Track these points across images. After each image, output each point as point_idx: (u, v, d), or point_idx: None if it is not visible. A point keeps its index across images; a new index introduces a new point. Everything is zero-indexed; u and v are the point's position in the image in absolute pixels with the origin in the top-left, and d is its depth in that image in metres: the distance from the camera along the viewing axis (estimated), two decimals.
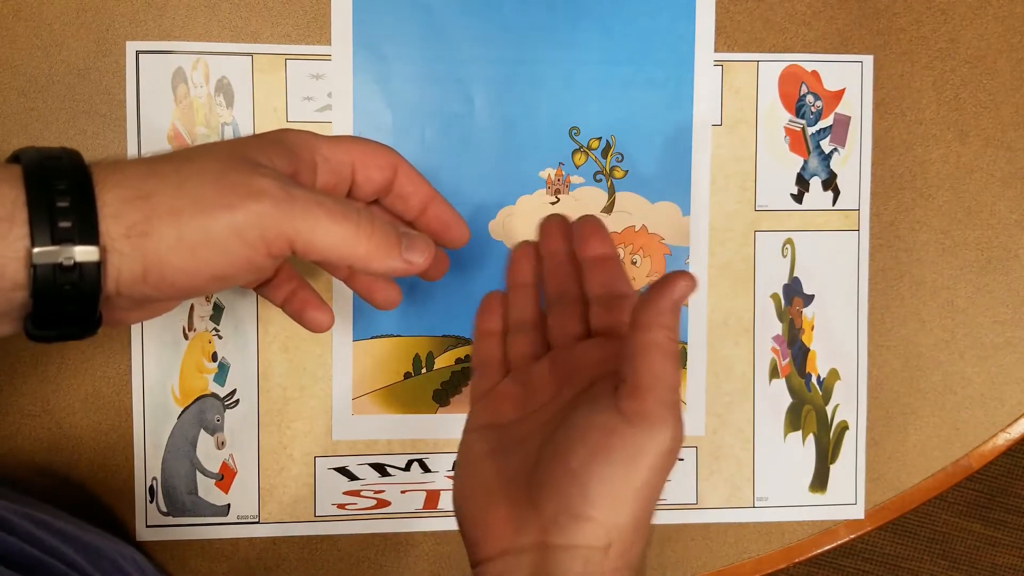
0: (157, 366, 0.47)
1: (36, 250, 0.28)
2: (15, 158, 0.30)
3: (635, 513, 0.32)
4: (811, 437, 0.51)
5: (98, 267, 0.29)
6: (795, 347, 0.50)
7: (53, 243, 0.28)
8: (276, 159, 0.33)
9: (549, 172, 0.48)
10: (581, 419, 0.34)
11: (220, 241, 0.30)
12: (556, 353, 0.40)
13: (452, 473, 0.49)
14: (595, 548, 0.32)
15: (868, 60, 0.50)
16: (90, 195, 0.29)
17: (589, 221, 0.41)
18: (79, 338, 0.31)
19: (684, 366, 0.49)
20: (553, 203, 0.48)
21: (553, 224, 0.42)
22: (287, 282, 0.39)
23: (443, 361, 0.48)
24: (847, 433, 0.51)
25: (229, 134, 0.46)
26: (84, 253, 0.29)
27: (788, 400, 0.50)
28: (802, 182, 0.50)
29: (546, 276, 0.42)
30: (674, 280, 0.33)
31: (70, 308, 0.29)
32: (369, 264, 0.33)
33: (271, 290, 0.39)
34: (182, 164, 0.31)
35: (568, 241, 0.41)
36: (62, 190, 0.29)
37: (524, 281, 0.42)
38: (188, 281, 0.31)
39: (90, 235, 0.29)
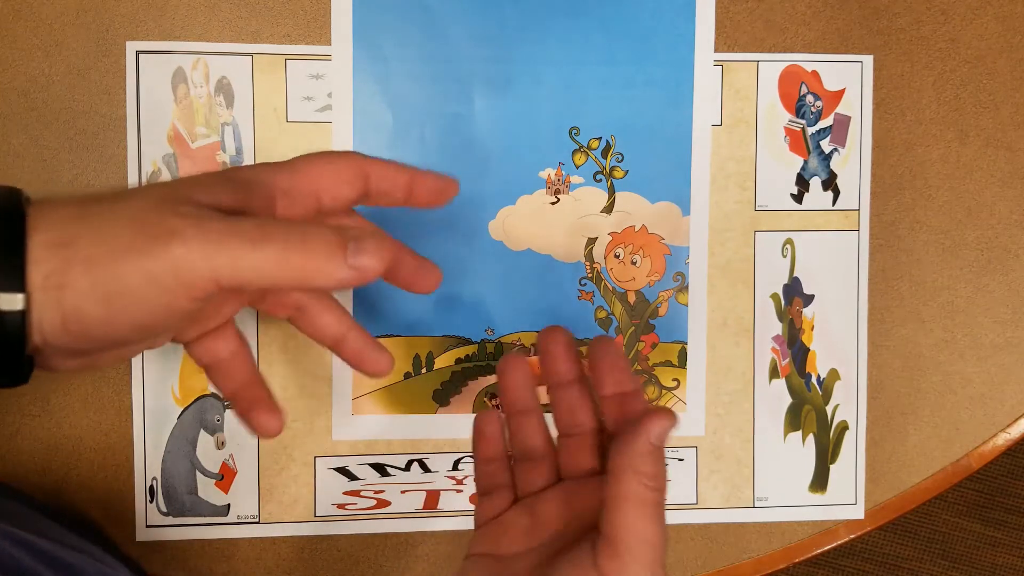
0: (157, 366, 0.47)
1: None
2: None
3: None
4: (811, 437, 0.51)
5: (22, 316, 0.27)
6: (795, 347, 0.50)
7: None
8: (221, 195, 0.30)
9: (549, 172, 0.48)
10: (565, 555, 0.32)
11: (134, 289, 0.28)
12: (568, 485, 0.37)
13: (452, 473, 0.49)
14: None
15: (868, 60, 0.50)
16: (19, 238, 0.27)
17: (607, 352, 0.36)
18: (8, 387, 0.29)
19: (683, 365, 0.49)
20: (553, 203, 0.48)
21: (557, 344, 0.38)
22: (238, 365, 0.36)
23: (443, 361, 0.48)
24: (847, 433, 0.51)
25: (229, 134, 0.46)
26: (6, 300, 0.27)
27: (788, 400, 0.50)
28: (802, 182, 0.50)
29: (554, 404, 0.38)
30: (650, 419, 0.30)
31: None
32: (310, 280, 0.29)
33: (218, 374, 0.36)
34: (113, 204, 0.29)
35: (576, 363, 0.38)
36: None
37: (525, 407, 0.39)
38: (107, 332, 0.28)
39: (15, 281, 0.27)
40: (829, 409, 0.51)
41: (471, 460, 0.49)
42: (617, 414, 0.35)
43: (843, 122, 0.50)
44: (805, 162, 0.50)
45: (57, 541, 0.38)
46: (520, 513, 0.37)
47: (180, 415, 0.47)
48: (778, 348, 0.50)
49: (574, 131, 0.48)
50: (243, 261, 0.28)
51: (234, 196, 0.31)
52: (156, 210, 0.28)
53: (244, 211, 0.31)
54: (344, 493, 0.48)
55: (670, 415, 0.30)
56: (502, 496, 0.38)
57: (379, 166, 0.35)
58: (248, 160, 0.46)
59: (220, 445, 0.47)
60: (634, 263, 0.49)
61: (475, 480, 0.40)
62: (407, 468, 0.49)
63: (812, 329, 0.50)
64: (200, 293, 0.29)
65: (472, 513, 0.49)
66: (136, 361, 0.46)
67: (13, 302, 0.27)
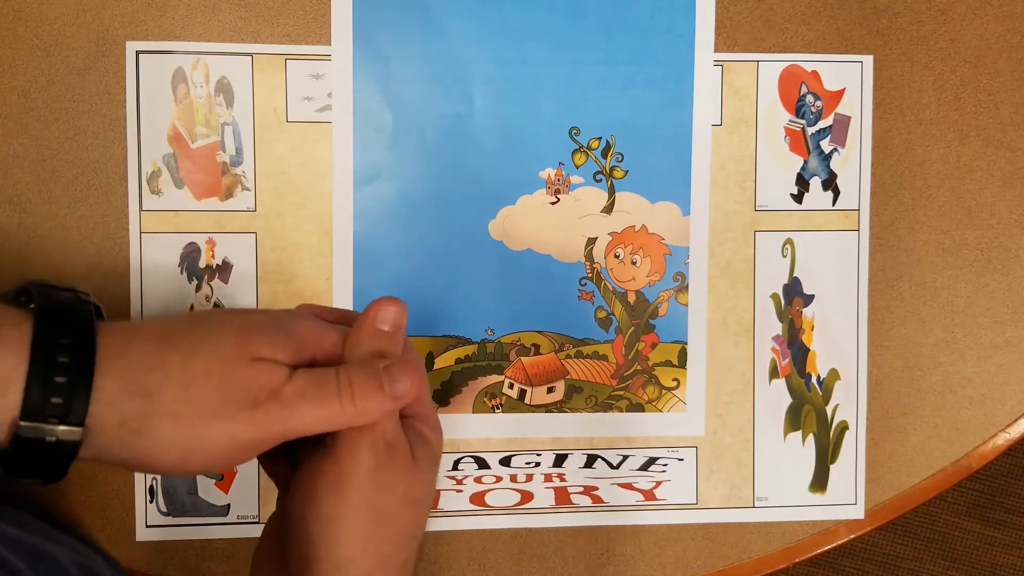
0: None
1: (23, 423, 0.28)
2: (26, 294, 0.31)
3: (364, 543, 0.33)
4: (811, 437, 0.51)
5: (78, 444, 0.29)
6: (795, 347, 0.50)
7: (40, 420, 0.28)
8: (279, 352, 0.33)
9: (549, 172, 0.48)
10: (300, 474, 0.35)
11: (214, 446, 0.31)
12: None
13: (452, 473, 0.49)
14: None
15: (868, 60, 0.50)
16: (89, 376, 0.29)
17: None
18: (45, 484, 0.31)
19: (683, 365, 0.49)
20: (553, 203, 0.48)
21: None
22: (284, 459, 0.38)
23: (443, 361, 0.48)
24: (847, 433, 0.51)
25: (229, 134, 0.46)
26: (68, 432, 0.29)
27: (788, 400, 0.50)
28: (802, 182, 0.50)
29: None
30: (378, 305, 0.34)
31: (39, 465, 0.29)
32: (362, 420, 0.33)
33: (272, 465, 0.38)
34: (189, 358, 0.31)
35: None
36: (63, 364, 0.29)
37: None
38: (172, 472, 0.31)
39: (78, 418, 0.29)
40: (829, 409, 0.51)
41: (471, 459, 0.49)
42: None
43: (843, 122, 0.50)
44: (805, 162, 0.50)
45: (37, 534, 0.38)
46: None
47: None
48: (778, 348, 0.50)
49: (574, 131, 0.48)
50: (307, 421, 0.32)
51: (290, 355, 0.33)
52: (239, 375, 0.31)
53: (296, 357, 0.34)
54: None
55: (396, 301, 0.34)
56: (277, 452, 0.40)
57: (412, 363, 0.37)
58: (249, 163, 0.46)
59: None
60: (634, 263, 0.49)
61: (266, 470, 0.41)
62: None
63: (812, 329, 0.50)
64: (267, 446, 0.32)
65: (473, 513, 0.49)
66: None
67: (73, 434, 0.29)
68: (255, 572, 0.38)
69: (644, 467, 0.50)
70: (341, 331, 0.36)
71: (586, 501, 0.50)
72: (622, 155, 0.48)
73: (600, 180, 0.48)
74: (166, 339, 0.32)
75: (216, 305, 0.47)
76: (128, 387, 0.30)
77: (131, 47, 0.46)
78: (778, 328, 0.50)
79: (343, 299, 0.47)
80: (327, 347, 0.35)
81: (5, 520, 0.39)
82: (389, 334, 0.35)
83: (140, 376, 0.30)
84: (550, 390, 0.49)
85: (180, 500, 0.47)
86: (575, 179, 0.48)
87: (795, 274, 0.50)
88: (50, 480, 0.30)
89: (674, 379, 0.49)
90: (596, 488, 0.50)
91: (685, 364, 0.49)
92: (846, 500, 0.51)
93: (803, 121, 0.50)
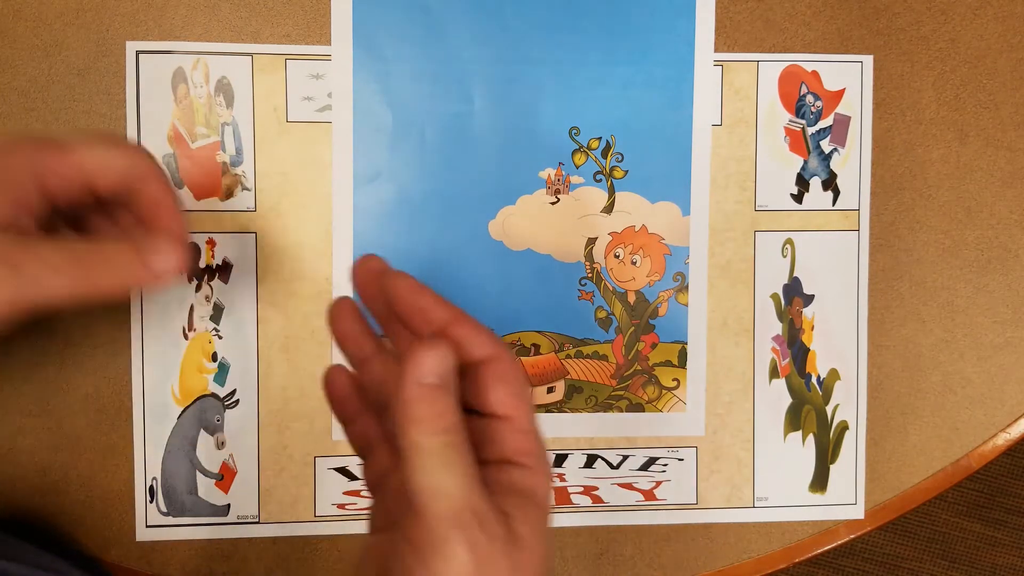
0: (157, 366, 0.47)
1: None
2: None
3: None
4: (811, 437, 0.51)
5: None
6: (795, 347, 0.50)
7: None
8: None
9: (549, 172, 0.48)
10: (389, 561, 0.28)
11: None
12: None
13: None
14: None
15: (868, 60, 0.50)
16: None
17: (399, 290, 0.32)
18: None
19: (683, 365, 0.49)
20: (553, 203, 0.48)
21: (344, 322, 0.35)
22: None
23: None
24: (847, 433, 0.51)
25: (229, 134, 0.46)
26: None
27: (788, 400, 0.50)
28: (802, 182, 0.50)
29: (364, 378, 0.36)
30: (415, 358, 0.27)
31: None
32: (111, 292, 0.31)
33: None
34: None
35: (372, 337, 0.35)
36: None
37: (366, 355, 0.35)
38: None
39: None
40: (829, 409, 0.51)
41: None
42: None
43: (843, 122, 0.50)
44: (805, 162, 0.50)
45: (32, 565, 0.37)
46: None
47: (180, 415, 0.47)
48: (778, 348, 0.50)
49: (574, 131, 0.48)
50: (44, 286, 0.29)
51: (7, 208, 0.31)
52: None
53: (14, 217, 0.31)
54: (344, 493, 0.48)
55: (438, 346, 0.27)
56: (383, 453, 0.34)
57: (156, 179, 0.35)
58: (249, 163, 0.46)
59: (220, 445, 0.47)
60: (634, 263, 0.49)
61: (350, 444, 0.36)
62: None
63: (812, 329, 0.50)
64: (2, 318, 0.29)
65: None
66: (136, 361, 0.46)
67: None
68: None
69: (644, 467, 0.50)
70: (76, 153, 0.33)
71: (586, 501, 0.50)
72: (622, 155, 0.48)
73: (600, 180, 0.48)
74: None
75: (216, 306, 0.47)
76: None
77: (131, 47, 0.46)
78: (778, 328, 0.50)
79: None
80: (61, 174, 0.32)
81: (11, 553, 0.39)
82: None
83: None
84: (550, 390, 0.49)
85: (180, 500, 0.47)
86: (575, 179, 0.48)
87: (795, 274, 0.50)
88: None
89: (674, 379, 0.49)
90: (596, 488, 0.50)
91: (685, 364, 0.49)
92: (846, 500, 0.51)
93: (803, 121, 0.50)
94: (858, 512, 0.51)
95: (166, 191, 0.35)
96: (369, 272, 0.33)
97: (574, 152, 0.48)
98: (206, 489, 0.47)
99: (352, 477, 0.48)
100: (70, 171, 0.33)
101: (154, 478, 0.47)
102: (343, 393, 0.35)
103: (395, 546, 0.28)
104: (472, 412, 0.30)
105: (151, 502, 0.47)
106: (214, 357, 0.47)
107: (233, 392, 0.47)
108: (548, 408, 0.49)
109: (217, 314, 0.47)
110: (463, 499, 0.26)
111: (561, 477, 0.49)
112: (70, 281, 0.30)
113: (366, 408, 0.35)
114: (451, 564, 0.25)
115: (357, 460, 0.46)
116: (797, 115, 0.49)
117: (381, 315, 0.34)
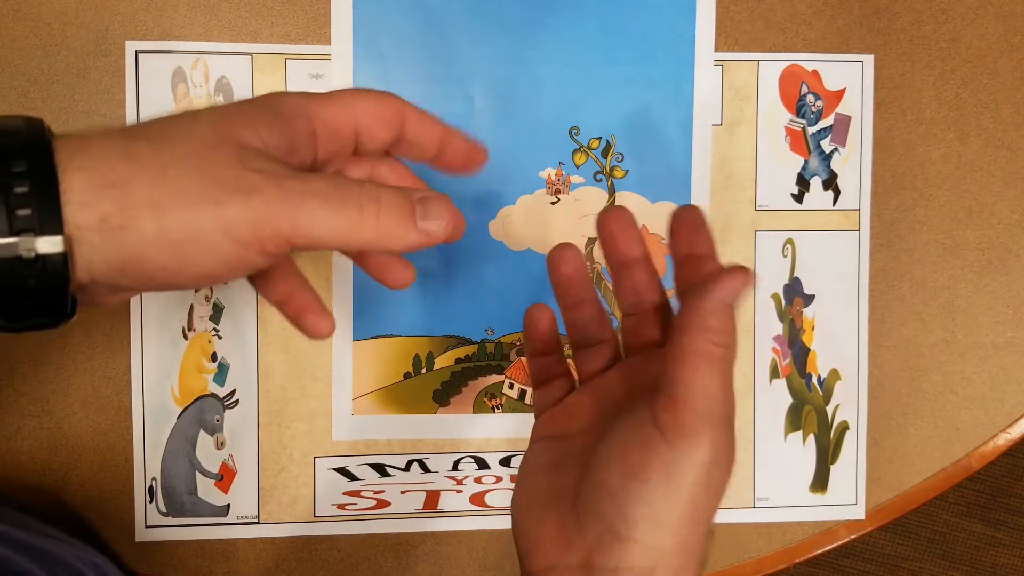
0: (157, 366, 0.46)
1: None
2: None
3: (680, 535, 0.30)
4: (811, 437, 0.51)
5: (65, 258, 0.26)
6: (795, 347, 0.50)
7: (12, 234, 0.26)
8: (268, 136, 0.30)
9: (549, 172, 0.48)
10: (619, 434, 0.31)
11: (208, 239, 0.27)
12: (630, 361, 0.36)
13: (452, 473, 0.49)
14: (639, 570, 0.30)
15: (868, 60, 0.50)
16: (52, 178, 0.26)
17: (687, 216, 0.34)
18: (52, 327, 0.28)
19: None
20: (553, 203, 0.48)
21: (618, 223, 0.36)
22: (285, 278, 0.35)
23: (443, 361, 0.48)
24: (847, 433, 0.51)
25: None
26: (48, 244, 0.26)
27: (788, 400, 0.50)
28: (802, 182, 0.50)
29: (617, 284, 0.36)
30: (723, 278, 0.30)
31: (34, 301, 0.27)
32: (383, 245, 0.30)
33: (267, 285, 0.35)
34: (161, 146, 0.28)
35: (639, 242, 0.36)
36: (20, 173, 0.26)
37: (581, 298, 0.37)
38: (170, 278, 0.28)
39: (54, 224, 0.26)
40: (829, 409, 0.51)
41: (471, 459, 0.49)
42: (690, 276, 0.34)
43: (843, 122, 0.50)
44: (805, 162, 0.50)
45: (36, 532, 0.38)
46: (581, 394, 0.36)
47: (180, 415, 0.47)
48: (778, 348, 0.50)
49: (574, 131, 0.48)
50: (319, 223, 0.28)
51: (282, 138, 0.30)
52: (223, 160, 0.28)
53: (290, 153, 0.31)
54: (344, 493, 0.48)
55: (744, 273, 0.30)
56: (559, 385, 0.37)
57: (417, 113, 0.34)
58: None
59: (220, 445, 0.47)
60: None
61: (530, 374, 0.39)
62: (407, 468, 0.49)
63: (812, 329, 0.50)
64: (273, 249, 0.28)
65: (473, 513, 0.49)
66: (136, 361, 0.46)
67: (54, 244, 0.26)
68: (527, 525, 0.33)
69: None
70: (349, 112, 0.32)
71: None
72: (622, 155, 0.48)
73: (600, 180, 0.48)
74: (130, 131, 0.28)
75: (216, 306, 0.47)
76: (97, 180, 0.27)
77: (131, 47, 0.45)
78: (779, 328, 0.50)
79: (343, 300, 0.47)
80: (335, 128, 0.31)
81: (6, 521, 0.39)
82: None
83: (108, 168, 0.27)
84: None
85: (180, 500, 0.47)
86: (575, 179, 0.48)
87: (795, 274, 0.50)
88: (55, 318, 0.28)
89: None
90: None
91: None
92: (846, 500, 0.51)
93: (803, 121, 0.50)
94: (858, 512, 0.51)
95: (446, 128, 0.35)
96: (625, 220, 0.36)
97: (574, 152, 0.48)
98: (206, 489, 0.47)
99: (352, 477, 0.48)
100: (341, 118, 0.33)
101: (153, 478, 0.47)
102: (544, 328, 0.38)
103: (613, 439, 0.31)
104: None
105: (151, 502, 0.47)
106: (214, 357, 0.47)
107: (233, 392, 0.47)
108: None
109: (217, 314, 0.47)
110: (721, 403, 0.29)
111: None
112: (344, 224, 0.29)
113: (557, 347, 0.38)
114: (695, 451, 0.29)
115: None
116: (798, 115, 0.49)
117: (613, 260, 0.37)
